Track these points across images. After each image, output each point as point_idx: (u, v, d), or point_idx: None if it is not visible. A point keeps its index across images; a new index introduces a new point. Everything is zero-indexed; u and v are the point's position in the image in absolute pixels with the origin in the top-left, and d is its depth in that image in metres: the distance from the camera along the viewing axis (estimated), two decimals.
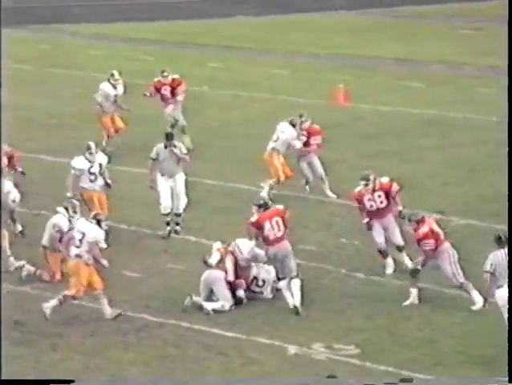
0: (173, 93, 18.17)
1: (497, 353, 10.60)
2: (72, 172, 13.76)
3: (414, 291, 11.96)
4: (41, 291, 12.35)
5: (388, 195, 12.84)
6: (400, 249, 12.93)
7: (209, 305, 11.79)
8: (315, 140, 15.73)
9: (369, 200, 12.80)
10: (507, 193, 11.77)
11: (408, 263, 12.78)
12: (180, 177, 13.97)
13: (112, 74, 18.65)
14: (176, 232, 13.92)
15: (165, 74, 18.33)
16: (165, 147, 14.03)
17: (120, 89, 18.40)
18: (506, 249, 10.74)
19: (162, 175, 13.91)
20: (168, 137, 14.14)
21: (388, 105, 21.41)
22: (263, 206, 11.93)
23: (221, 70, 25.67)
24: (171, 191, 13.89)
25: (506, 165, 13.04)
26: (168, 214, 13.95)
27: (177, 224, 13.99)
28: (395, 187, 12.93)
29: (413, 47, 27.25)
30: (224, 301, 11.83)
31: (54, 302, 11.51)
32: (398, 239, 12.88)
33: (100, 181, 13.72)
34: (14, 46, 28.89)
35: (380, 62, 25.86)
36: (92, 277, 11.55)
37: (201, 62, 26.53)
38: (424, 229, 11.92)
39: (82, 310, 11.91)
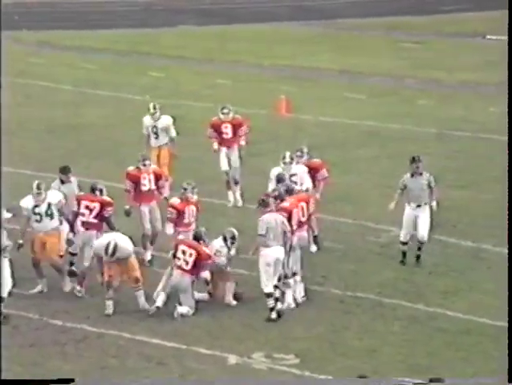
0: (235, 133, 15.74)
1: (434, 361, 10.76)
2: (23, 212, 12.53)
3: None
4: None
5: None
6: None
7: (180, 309, 11.79)
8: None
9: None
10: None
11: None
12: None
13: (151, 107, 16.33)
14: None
15: (225, 110, 15.73)
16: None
17: (160, 122, 16.18)
18: (277, 214, 11.74)
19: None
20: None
21: (329, 116, 21.61)
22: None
23: (162, 79, 25.64)
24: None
25: (444, 177, 13.28)
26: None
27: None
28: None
29: (355, 59, 27.55)
30: (187, 307, 11.87)
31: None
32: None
33: (48, 222, 12.39)
34: None
35: (323, 73, 26.09)
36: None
37: (142, 71, 26.46)
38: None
39: (21, 321, 11.77)
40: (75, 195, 13.00)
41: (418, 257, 13.34)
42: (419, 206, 13.23)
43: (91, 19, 34.11)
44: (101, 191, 12.75)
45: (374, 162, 18.38)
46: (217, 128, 15.73)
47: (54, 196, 12.60)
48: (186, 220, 12.87)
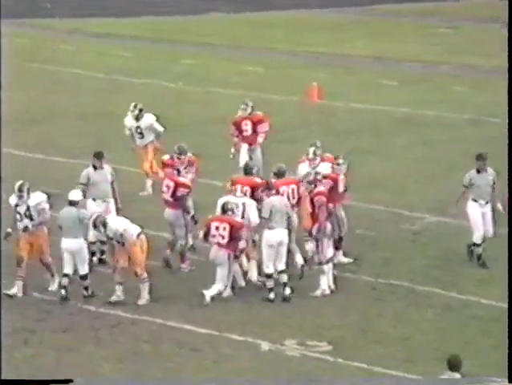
0: (255, 130, 15.34)
1: (468, 349, 10.67)
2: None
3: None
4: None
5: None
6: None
7: (209, 293, 11.81)
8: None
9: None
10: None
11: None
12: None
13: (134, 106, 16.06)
14: None
15: (243, 106, 15.43)
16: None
17: (143, 122, 15.91)
18: (281, 197, 12.10)
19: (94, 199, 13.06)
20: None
21: (362, 103, 21.47)
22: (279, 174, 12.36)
23: (194, 66, 25.62)
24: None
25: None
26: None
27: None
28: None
29: (388, 45, 27.35)
30: (220, 284, 11.84)
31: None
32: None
33: (26, 223, 12.14)
34: None
35: (355, 60, 25.92)
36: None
37: (175, 59, 26.46)
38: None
39: (54, 306, 11.84)
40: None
41: (480, 256, 13.00)
42: (487, 203, 13.00)
43: (122, 6, 34.17)
44: (178, 171, 13.04)
45: (408, 149, 18.24)
46: (238, 126, 15.43)
47: (35, 198, 12.29)
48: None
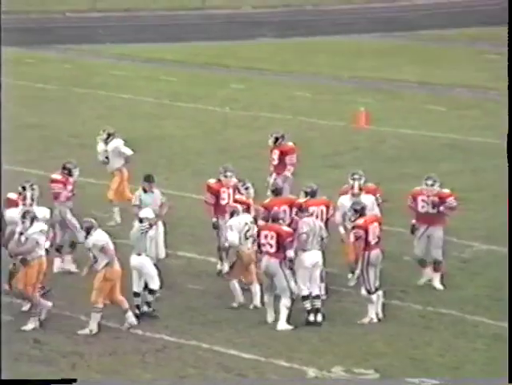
0: (281, 160, 15.03)
1: None
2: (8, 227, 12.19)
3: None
4: (60, 310, 12.35)
5: (441, 204, 12.74)
6: (436, 263, 12.89)
7: (280, 323, 11.77)
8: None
9: (423, 200, 12.74)
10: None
11: (438, 285, 12.80)
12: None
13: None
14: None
15: (272, 139, 15.08)
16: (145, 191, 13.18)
17: (109, 146, 15.64)
18: (316, 219, 12.22)
19: None
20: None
21: (410, 128, 21.37)
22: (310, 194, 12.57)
23: (242, 91, 25.75)
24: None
25: None
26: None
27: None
28: (451, 200, 12.79)
29: (436, 71, 27.24)
30: (283, 293, 11.81)
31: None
32: (439, 253, 12.83)
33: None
34: (38, 65, 29.14)
35: (403, 85, 25.85)
36: None
37: (222, 84, 26.64)
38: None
39: (101, 329, 11.91)
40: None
41: None
42: None
43: (171, 32, 34.53)
44: (247, 188, 13.10)
45: (457, 176, 18.07)
46: (270, 154, 15.31)
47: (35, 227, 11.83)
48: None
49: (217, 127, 22.02)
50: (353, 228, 12.13)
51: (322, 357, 11.15)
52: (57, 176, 13.83)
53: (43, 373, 10.74)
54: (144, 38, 33.14)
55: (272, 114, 22.88)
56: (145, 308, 12.14)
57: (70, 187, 13.78)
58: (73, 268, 13.53)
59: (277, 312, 11.98)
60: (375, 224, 12.16)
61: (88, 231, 11.85)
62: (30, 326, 11.82)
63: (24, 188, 12.82)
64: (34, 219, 11.90)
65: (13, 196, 12.88)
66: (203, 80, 27.15)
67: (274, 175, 15.25)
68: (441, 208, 13.01)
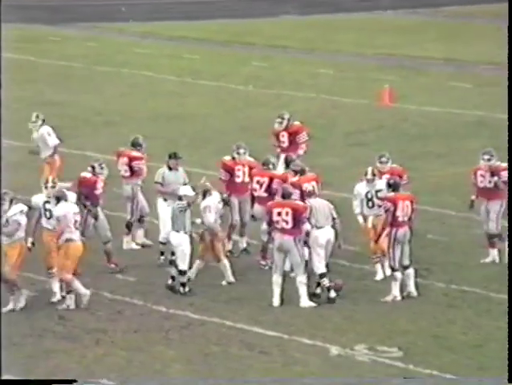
0: (291, 142, 14.88)
1: None
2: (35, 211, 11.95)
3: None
4: (84, 287, 12.41)
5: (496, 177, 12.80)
6: (492, 237, 12.97)
7: (302, 300, 11.81)
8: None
9: (481, 175, 12.86)
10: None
11: (497, 259, 12.93)
12: None
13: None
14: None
15: (279, 120, 14.89)
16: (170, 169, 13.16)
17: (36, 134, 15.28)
18: (323, 200, 12.18)
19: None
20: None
21: (434, 106, 21.23)
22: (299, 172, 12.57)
23: (265, 69, 25.66)
24: None
25: None
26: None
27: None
28: (505, 173, 12.81)
29: (461, 47, 27.00)
30: (298, 270, 11.85)
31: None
32: (493, 226, 12.89)
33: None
34: (62, 43, 29.20)
35: (427, 62, 25.66)
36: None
37: (245, 61, 26.56)
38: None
39: (125, 306, 11.98)
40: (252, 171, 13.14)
41: None
42: None
43: (194, 10, 34.44)
44: (273, 165, 13.13)
45: (480, 153, 17.94)
46: (277, 137, 15.07)
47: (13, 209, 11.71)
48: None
49: (239, 105, 21.98)
50: (382, 200, 12.08)
51: (345, 335, 11.15)
52: (136, 153, 13.79)
53: (68, 349, 10.84)
54: (167, 16, 33.10)
55: (295, 92, 22.80)
56: (181, 289, 12.17)
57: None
58: (147, 241, 13.61)
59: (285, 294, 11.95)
60: (407, 202, 12.07)
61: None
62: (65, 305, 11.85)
63: (94, 168, 12.90)
64: (12, 200, 11.77)
65: (87, 174, 12.94)
66: (225, 58, 27.08)
67: (282, 156, 14.91)
68: (497, 181, 12.95)
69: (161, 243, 12.99)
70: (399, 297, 12.04)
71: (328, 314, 11.72)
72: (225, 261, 12.50)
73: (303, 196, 12.37)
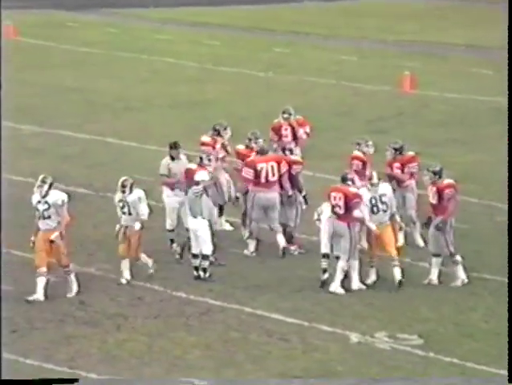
0: (294, 136, 14.81)
1: None
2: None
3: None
4: (105, 273, 12.48)
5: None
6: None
7: (334, 284, 11.90)
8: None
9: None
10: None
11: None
12: None
13: None
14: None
15: (285, 115, 14.79)
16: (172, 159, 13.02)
17: None
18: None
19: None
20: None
21: (456, 92, 21.09)
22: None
23: (286, 55, 25.58)
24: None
25: None
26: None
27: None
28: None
29: (483, 33, 26.79)
30: (345, 255, 11.92)
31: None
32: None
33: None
34: (82, 29, 29.24)
35: (449, 48, 25.48)
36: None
37: (266, 48, 26.47)
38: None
39: (146, 292, 12.01)
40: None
41: None
42: None
43: None
44: (290, 151, 13.37)
45: (503, 140, 17.80)
46: (277, 131, 14.79)
47: (55, 196, 11.65)
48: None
49: (260, 91, 21.91)
50: (441, 189, 12.02)
51: (365, 322, 11.13)
52: (206, 138, 13.74)
53: (89, 334, 10.89)
54: (187, 1, 33.02)
55: (317, 78, 22.71)
56: (201, 273, 12.18)
57: (218, 146, 13.65)
58: (227, 226, 13.69)
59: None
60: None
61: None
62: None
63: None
64: (51, 184, 11.65)
65: (193, 166, 12.81)
66: (246, 44, 27.00)
67: (280, 152, 14.50)
68: None
69: (169, 230, 12.98)
70: (466, 280, 12.06)
71: (348, 301, 11.70)
72: (143, 256, 12.22)
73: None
